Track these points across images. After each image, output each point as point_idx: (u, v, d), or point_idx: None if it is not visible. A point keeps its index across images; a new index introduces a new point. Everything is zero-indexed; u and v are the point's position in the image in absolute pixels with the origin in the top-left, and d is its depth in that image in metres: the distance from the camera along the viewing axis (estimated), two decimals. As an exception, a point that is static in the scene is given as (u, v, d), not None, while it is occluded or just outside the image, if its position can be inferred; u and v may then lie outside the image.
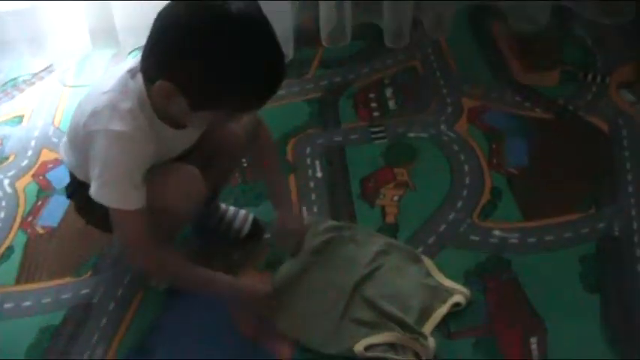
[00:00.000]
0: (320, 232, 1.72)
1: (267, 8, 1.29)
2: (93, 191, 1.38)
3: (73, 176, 1.60)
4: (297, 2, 2.43)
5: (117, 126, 1.34)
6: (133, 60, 1.41)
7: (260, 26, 1.27)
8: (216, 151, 1.60)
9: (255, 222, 1.78)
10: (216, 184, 1.72)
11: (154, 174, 1.42)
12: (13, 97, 2.36)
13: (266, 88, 1.32)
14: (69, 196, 1.68)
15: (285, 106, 2.19)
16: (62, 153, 1.62)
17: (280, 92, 1.43)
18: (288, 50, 2.35)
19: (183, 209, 1.48)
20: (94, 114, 1.36)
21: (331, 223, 1.76)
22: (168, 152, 1.49)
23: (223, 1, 1.23)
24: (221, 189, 1.79)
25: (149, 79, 1.33)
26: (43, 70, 2.45)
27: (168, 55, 1.27)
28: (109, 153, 1.35)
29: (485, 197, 1.86)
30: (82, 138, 1.41)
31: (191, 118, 1.36)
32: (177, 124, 1.43)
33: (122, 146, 1.35)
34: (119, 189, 1.37)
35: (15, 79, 2.43)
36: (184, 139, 1.51)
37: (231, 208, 1.81)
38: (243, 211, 1.80)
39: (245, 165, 1.94)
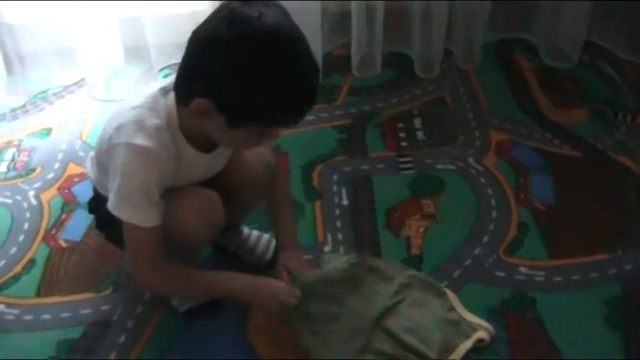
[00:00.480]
0: (342, 262, 1.69)
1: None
2: (110, 204, 1.38)
3: (96, 191, 1.60)
4: (327, 28, 2.43)
5: (140, 140, 1.34)
6: (167, 79, 1.41)
7: (295, 36, 1.27)
8: (235, 188, 1.59)
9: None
10: (237, 217, 1.72)
11: (173, 196, 1.42)
12: (42, 109, 2.37)
13: (304, 99, 1.31)
14: (91, 211, 1.69)
15: (313, 131, 2.19)
16: (88, 167, 1.62)
17: (309, 117, 1.43)
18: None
19: (200, 234, 1.47)
20: (120, 128, 1.37)
21: (353, 255, 1.72)
22: (187, 176, 1.48)
23: (259, 14, 1.22)
24: (242, 220, 1.79)
25: (183, 98, 1.33)
26: (73, 84, 2.47)
27: (207, 71, 1.26)
28: (129, 166, 1.35)
29: (512, 233, 1.84)
30: (105, 151, 1.41)
31: (226, 136, 1.35)
32: (203, 147, 1.43)
33: (142, 160, 1.34)
34: (136, 204, 1.36)
35: (45, 91, 2.45)
36: (205, 164, 1.50)
37: (254, 233, 1.80)
38: (266, 236, 1.79)
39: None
